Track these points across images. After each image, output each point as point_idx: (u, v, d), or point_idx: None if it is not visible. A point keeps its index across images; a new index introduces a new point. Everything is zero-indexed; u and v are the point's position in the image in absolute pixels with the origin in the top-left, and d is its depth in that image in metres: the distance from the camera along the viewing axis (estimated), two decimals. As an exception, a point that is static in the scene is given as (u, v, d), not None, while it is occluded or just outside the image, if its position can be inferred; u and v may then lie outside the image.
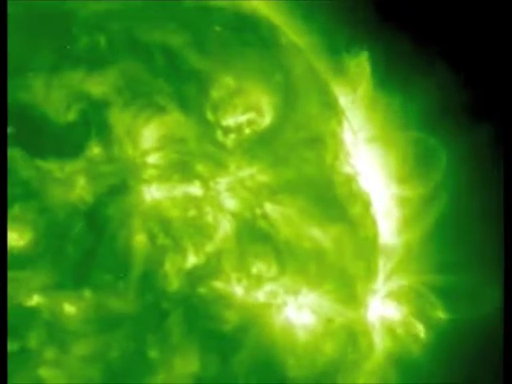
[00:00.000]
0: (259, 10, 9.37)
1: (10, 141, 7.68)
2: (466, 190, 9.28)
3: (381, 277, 9.08)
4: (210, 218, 7.97)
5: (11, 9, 8.04)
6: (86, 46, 8.20)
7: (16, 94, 7.84)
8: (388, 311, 8.93)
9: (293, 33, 9.47)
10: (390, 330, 8.83)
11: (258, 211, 8.17)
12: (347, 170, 9.11)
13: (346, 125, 9.32)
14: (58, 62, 8.04)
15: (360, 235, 8.93)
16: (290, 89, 8.93)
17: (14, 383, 7.53)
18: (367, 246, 8.99)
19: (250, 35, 9.06)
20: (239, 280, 7.93)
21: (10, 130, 7.68)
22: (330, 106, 9.26)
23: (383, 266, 9.11)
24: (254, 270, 7.99)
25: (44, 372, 7.56)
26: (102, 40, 8.27)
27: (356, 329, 8.59)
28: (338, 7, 9.56)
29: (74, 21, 8.27)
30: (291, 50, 9.24)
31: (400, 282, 9.09)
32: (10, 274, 7.50)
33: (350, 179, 9.03)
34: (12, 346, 7.50)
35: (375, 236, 9.15)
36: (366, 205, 9.14)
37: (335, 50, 9.42)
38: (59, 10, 8.30)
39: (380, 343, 8.77)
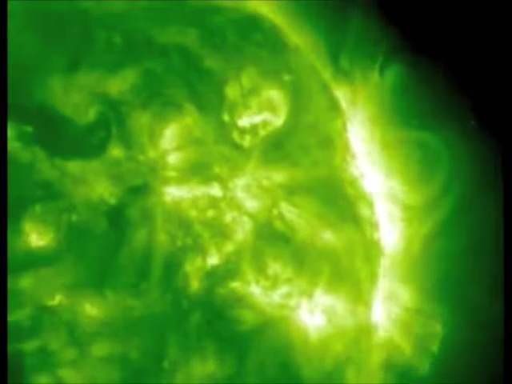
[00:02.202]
0: (262, 10, 9.42)
1: (31, 141, 7.67)
2: (468, 194, 9.37)
3: (382, 279, 9.18)
4: (228, 219, 8.03)
5: (29, 8, 8.01)
6: (104, 46, 8.19)
7: (36, 94, 7.82)
8: (388, 313, 9.05)
9: (295, 33, 9.51)
10: (390, 331, 8.94)
11: (275, 212, 8.25)
12: (354, 171, 9.23)
13: (349, 126, 9.41)
14: (77, 62, 8.02)
15: (367, 237, 9.05)
16: (299, 90, 9.01)
17: (33, 383, 7.54)
18: (372, 248, 9.11)
19: (257, 35, 9.12)
20: (257, 281, 8.01)
21: (29, 129, 7.69)
22: (334, 107, 9.35)
23: (385, 268, 9.22)
24: (271, 271, 8.08)
25: (64, 372, 7.56)
26: (119, 40, 8.27)
27: (362, 330, 8.71)
28: (338, 8, 9.59)
29: (91, 20, 8.25)
30: (296, 50, 9.31)
31: (400, 284, 9.20)
32: (33, 274, 7.51)
33: (357, 181, 9.15)
34: (32, 346, 7.49)
35: (378, 238, 9.27)
36: (371, 207, 9.26)
37: (335, 51, 9.47)
38: (76, 10, 8.27)
39: (382, 344, 8.87)
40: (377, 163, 9.40)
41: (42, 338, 7.53)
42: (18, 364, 7.51)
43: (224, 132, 8.33)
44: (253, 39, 9.02)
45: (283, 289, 8.15)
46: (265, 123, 8.55)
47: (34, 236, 7.57)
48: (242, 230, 8.07)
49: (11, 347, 7.47)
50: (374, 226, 9.23)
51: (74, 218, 7.67)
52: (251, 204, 8.20)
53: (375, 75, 9.31)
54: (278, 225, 8.25)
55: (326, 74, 9.41)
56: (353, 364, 8.63)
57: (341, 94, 9.44)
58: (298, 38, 9.44)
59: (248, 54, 8.87)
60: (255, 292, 8.02)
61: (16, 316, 7.51)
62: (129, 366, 7.67)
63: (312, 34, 9.48)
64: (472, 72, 9.45)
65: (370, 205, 9.25)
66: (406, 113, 9.35)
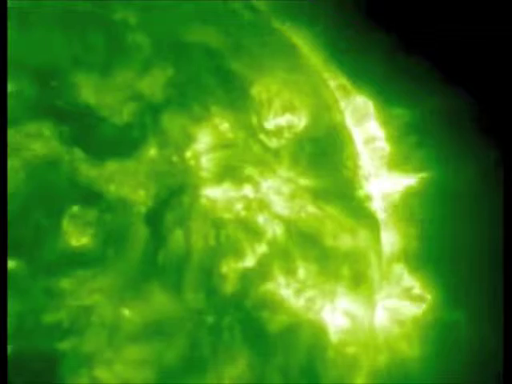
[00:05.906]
0: (264, 11, 9.48)
1: (69, 141, 7.65)
2: (467, 193, 9.50)
3: (392, 280, 9.32)
4: (260, 221, 8.12)
5: (61, 8, 7.97)
6: (135, 46, 8.19)
7: (73, 94, 7.79)
8: (389, 312, 9.21)
9: (297, 34, 9.60)
10: (391, 332, 9.10)
11: (303, 214, 8.37)
12: (364, 172, 9.38)
13: (350, 127, 9.54)
14: (109, 62, 8.01)
15: (379, 239, 9.21)
16: (314, 91, 9.14)
17: (68, 383, 7.53)
18: (380, 250, 9.27)
19: (271, 37, 9.21)
20: (287, 283, 8.12)
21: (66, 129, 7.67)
22: (336, 108, 9.48)
23: (395, 268, 9.35)
24: (301, 274, 8.19)
25: (99, 373, 7.57)
26: (148, 41, 8.28)
27: (371, 331, 8.86)
28: (339, 9, 9.67)
29: (121, 20, 8.24)
30: (300, 51, 9.42)
31: (410, 284, 9.35)
32: (71, 275, 7.50)
33: (367, 182, 9.30)
34: (69, 346, 7.48)
35: (380, 238, 9.42)
36: (381, 207, 9.42)
37: (334, 51, 9.56)
38: (105, 10, 8.24)
39: (385, 345, 9.02)
40: (380, 163, 9.54)
41: (79, 339, 7.51)
42: (54, 364, 7.49)
43: (253, 134, 8.41)
44: (268, 41, 9.10)
45: (311, 291, 8.27)
46: (289, 125, 8.66)
47: (73, 236, 7.55)
48: (274, 233, 8.17)
49: (48, 347, 7.46)
50: (383, 226, 9.39)
51: (111, 217, 7.67)
52: (282, 206, 8.30)
53: (374, 76, 9.44)
54: (306, 227, 8.37)
55: (327, 75, 9.53)
56: (370, 365, 8.77)
57: (341, 94, 9.56)
58: (301, 39, 9.53)
59: (267, 56, 8.96)
60: (285, 294, 8.13)
61: (54, 316, 7.49)
62: (162, 366, 7.71)
63: (312, 34, 9.57)
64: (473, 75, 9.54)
65: (380, 205, 9.40)
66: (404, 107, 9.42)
